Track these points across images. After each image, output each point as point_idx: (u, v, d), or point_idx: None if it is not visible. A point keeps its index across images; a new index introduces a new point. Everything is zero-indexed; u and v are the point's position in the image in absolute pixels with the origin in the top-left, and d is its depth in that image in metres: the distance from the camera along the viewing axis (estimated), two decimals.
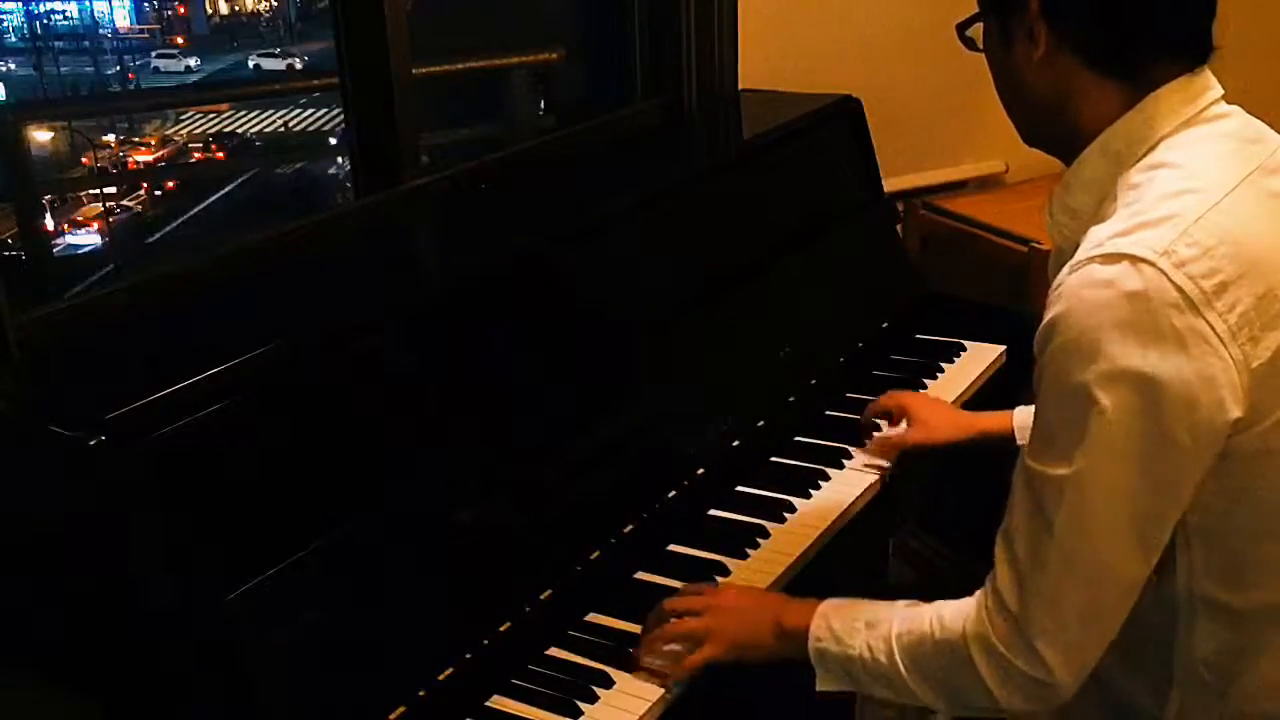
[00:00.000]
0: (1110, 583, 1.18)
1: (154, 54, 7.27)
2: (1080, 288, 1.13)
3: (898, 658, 1.28)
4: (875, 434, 1.84)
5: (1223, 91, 1.24)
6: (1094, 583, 1.18)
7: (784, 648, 1.36)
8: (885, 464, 1.79)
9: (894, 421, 1.84)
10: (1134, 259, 1.11)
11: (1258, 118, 1.28)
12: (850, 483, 1.77)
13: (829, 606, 1.35)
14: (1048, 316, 1.16)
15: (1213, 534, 1.21)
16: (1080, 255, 1.15)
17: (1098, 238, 1.15)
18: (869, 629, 1.30)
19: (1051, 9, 1.20)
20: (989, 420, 1.75)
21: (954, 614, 1.26)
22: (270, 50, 7.48)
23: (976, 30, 1.31)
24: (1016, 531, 1.21)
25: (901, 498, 1.82)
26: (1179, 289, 1.10)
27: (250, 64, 7.41)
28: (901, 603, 1.32)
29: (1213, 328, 1.11)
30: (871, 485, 1.77)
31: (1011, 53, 1.24)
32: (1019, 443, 1.62)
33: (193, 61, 7.30)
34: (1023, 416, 1.67)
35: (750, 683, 1.46)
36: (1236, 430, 1.14)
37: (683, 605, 1.43)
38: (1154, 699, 1.29)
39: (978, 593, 1.25)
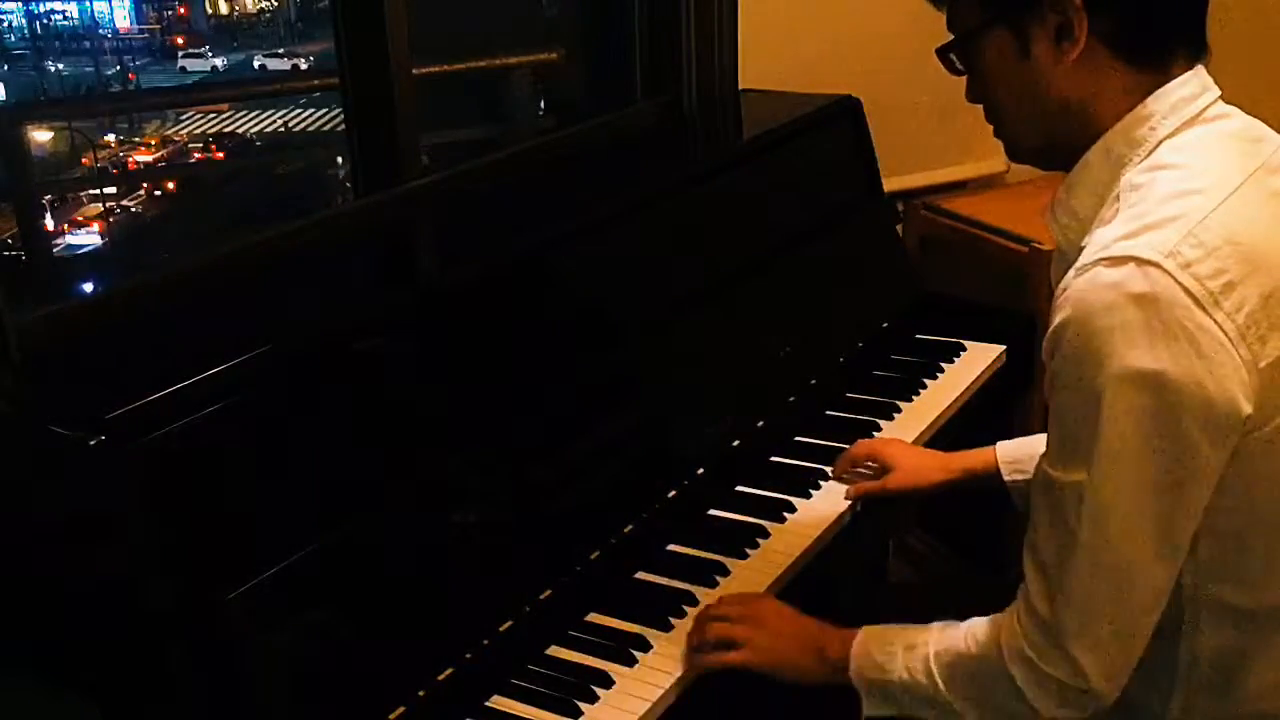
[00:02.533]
0: (1137, 585, 1.18)
1: (180, 54, 7.31)
2: (1087, 292, 1.13)
3: (937, 677, 1.29)
4: (855, 475, 1.74)
5: (1219, 92, 1.24)
6: (1122, 586, 1.18)
7: (824, 674, 1.37)
8: (846, 503, 1.70)
9: (872, 471, 1.74)
10: (1140, 261, 1.11)
11: (1255, 118, 1.28)
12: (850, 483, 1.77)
13: (867, 634, 1.36)
14: (1055, 322, 1.16)
15: (1217, 533, 1.21)
16: (1085, 259, 1.15)
17: (1102, 240, 1.15)
18: (907, 652, 1.31)
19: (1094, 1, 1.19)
20: (974, 458, 1.67)
21: (988, 629, 1.27)
22: (275, 50, 7.50)
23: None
24: (1041, 540, 1.21)
25: (868, 533, 1.74)
26: (1186, 290, 1.10)
27: (256, 64, 7.43)
28: (937, 624, 1.33)
29: (1221, 327, 1.11)
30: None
31: (1029, 60, 1.23)
32: (1005, 478, 1.61)
33: (219, 62, 7.34)
34: (1007, 450, 1.63)
35: (755, 685, 1.46)
36: (1245, 430, 1.14)
37: (722, 612, 1.44)
38: (1157, 697, 1.29)
39: (1011, 606, 1.26)
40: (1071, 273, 1.16)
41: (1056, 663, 1.20)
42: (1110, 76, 1.22)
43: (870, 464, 1.74)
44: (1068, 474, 1.17)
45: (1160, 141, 1.20)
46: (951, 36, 1.30)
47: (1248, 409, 1.13)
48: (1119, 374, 1.11)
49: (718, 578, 1.56)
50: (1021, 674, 1.22)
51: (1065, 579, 1.18)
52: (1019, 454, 1.62)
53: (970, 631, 1.29)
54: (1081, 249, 1.19)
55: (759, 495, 1.73)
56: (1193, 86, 1.22)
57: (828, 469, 1.78)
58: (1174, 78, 1.21)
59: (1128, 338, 1.10)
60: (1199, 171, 1.18)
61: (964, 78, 1.32)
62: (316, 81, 4.79)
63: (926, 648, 1.30)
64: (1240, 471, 1.17)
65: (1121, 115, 1.22)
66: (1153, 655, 1.27)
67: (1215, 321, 1.10)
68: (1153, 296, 1.10)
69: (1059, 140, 1.28)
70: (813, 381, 1.96)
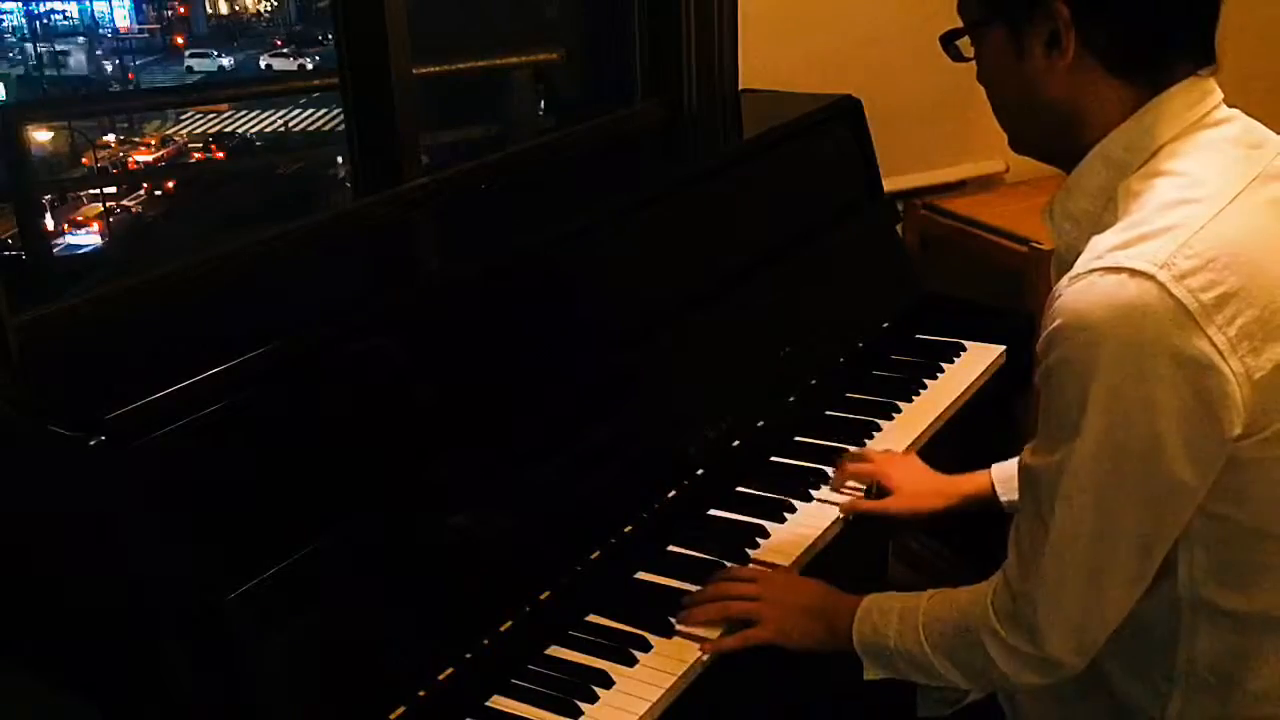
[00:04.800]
0: (1105, 581, 1.20)
1: (188, 53, 7.33)
2: (1079, 301, 1.13)
3: (924, 641, 1.33)
4: (852, 497, 1.73)
5: (1222, 96, 1.23)
6: (1091, 577, 1.20)
7: (830, 640, 1.41)
8: (840, 515, 1.69)
9: (871, 491, 1.74)
10: (1133, 273, 1.11)
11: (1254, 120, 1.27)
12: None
13: (871, 601, 1.40)
14: (1048, 328, 1.16)
15: (1213, 537, 1.21)
16: (1080, 266, 1.15)
17: (1098, 249, 1.15)
18: (901, 618, 1.36)
19: (1083, 14, 1.18)
20: (969, 482, 1.69)
21: (969, 596, 1.31)
22: (281, 50, 7.50)
23: (964, 41, 1.30)
24: (1023, 524, 1.24)
25: (868, 535, 1.74)
26: (1178, 303, 1.10)
27: (262, 64, 7.43)
28: (931, 591, 1.37)
29: (1212, 342, 1.10)
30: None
31: (1023, 61, 1.23)
32: (1002, 499, 1.63)
33: (226, 61, 7.35)
34: (1002, 471, 1.64)
35: (755, 686, 1.46)
36: (1237, 440, 1.14)
37: (737, 590, 1.47)
38: (1155, 701, 1.30)
39: (993, 576, 1.29)
40: (1066, 279, 1.16)
41: (1020, 634, 1.24)
42: (1102, 87, 1.21)
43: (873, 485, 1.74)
44: (1046, 467, 1.19)
45: (1159, 147, 1.20)
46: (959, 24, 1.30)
47: (1235, 429, 1.13)
48: (1104, 387, 1.11)
49: None
50: (990, 641, 1.26)
51: (1037, 561, 1.21)
52: (1013, 473, 1.61)
53: (955, 597, 1.33)
54: (1079, 253, 1.18)
55: (759, 495, 1.73)
56: (1194, 92, 1.21)
57: (828, 469, 1.78)
58: (1170, 88, 1.20)
59: (1116, 352, 1.11)
60: (1197, 179, 1.17)
61: (965, 74, 1.32)
62: (316, 81, 4.79)
63: (918, 614, 1.34)
64: (1235, 478, 1.17)
65: (1114, 125, 1.22)
66: (1150, 658, 1.28)
67: (1206, 336, 1.10)
68: (1143, 310, 1.10)
69: (1053, 142, 1.28)
70: (813, 381, 1.96)
